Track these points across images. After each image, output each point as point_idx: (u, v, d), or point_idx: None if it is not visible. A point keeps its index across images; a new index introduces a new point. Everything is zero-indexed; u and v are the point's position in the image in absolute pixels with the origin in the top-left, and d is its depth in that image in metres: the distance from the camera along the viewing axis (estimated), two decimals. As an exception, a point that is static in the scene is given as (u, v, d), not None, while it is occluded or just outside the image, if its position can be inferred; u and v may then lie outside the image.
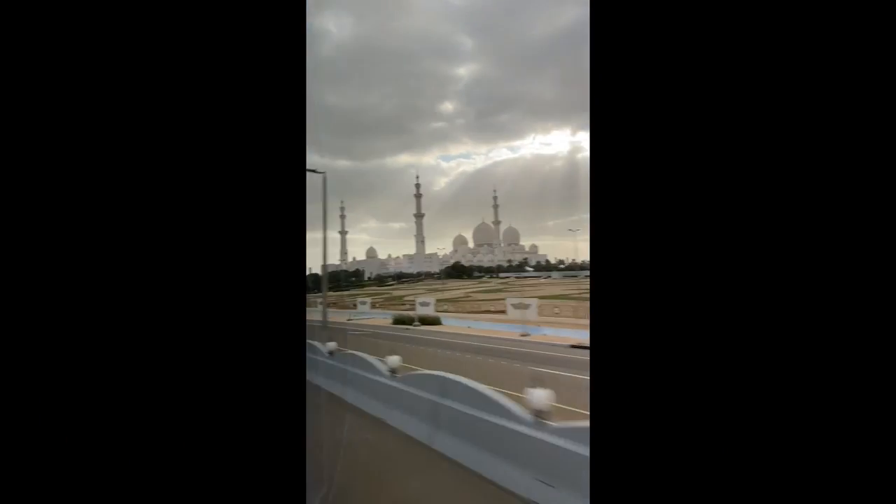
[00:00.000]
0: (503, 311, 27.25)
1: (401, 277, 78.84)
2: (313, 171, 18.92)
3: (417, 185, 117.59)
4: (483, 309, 31.29)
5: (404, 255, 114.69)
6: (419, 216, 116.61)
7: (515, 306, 25.80)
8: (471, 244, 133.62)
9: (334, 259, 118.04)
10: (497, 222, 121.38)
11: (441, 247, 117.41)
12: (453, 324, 25.23)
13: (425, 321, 25.37)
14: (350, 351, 8.48)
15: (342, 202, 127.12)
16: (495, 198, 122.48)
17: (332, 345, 8.82)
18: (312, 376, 8.51)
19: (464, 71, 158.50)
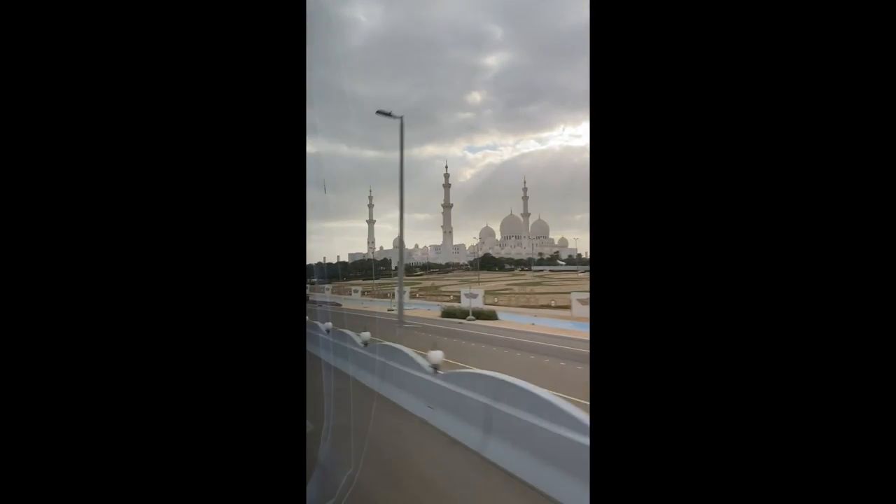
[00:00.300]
0: (567, 307, 23.93)
1: (429, 268, 75.69)
2: (388, 114, 16.00)
3: (446, 175, 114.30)
4: (540, 304, 27.93)
5: (431, 246, 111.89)
6: (447, 206, 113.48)
7: (584, 302, 22.36)
8: (498, 236, 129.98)
9: (362, 248, 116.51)
10: (526, 214, 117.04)
11: (475, 237, 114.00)
12: (511, 319, 22.06)
13: (480, 315, 22.27)
14: (474, 370, 5.42)
15: (370, 191, 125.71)
16: (525, 189, 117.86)
17: (437, 355, 5.79)
18: (418, 406, 5.39)
19: (493, 60, 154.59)
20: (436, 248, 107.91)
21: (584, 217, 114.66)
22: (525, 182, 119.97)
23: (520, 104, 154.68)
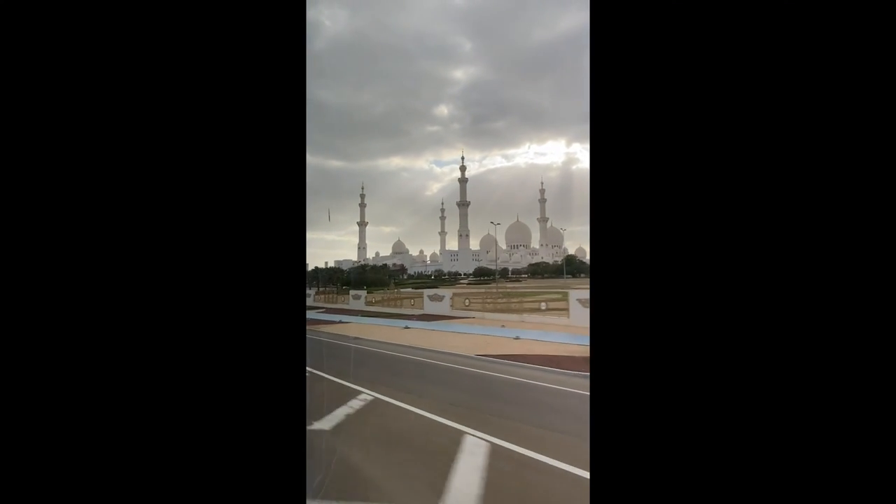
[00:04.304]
0: None
1: (481, 275, 59.49)
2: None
3: (463, 169, 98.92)
4: None
5: (447, 251, 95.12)
6: (464, 205, 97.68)
7: None
8: (503, 244, 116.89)
9: (348, 255, 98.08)
10: (544, 219, 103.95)
11: (475, 243, 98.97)
12: None
13: None
14: None
15: (363, 188, 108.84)
16: (542, 191, 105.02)
17: None
18: None
19: (461, 74, 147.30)
20: (451, 253, 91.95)
21: (539, 236, 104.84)
22: (542, 183, 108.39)
23: (486, 119, 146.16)
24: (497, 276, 50.59)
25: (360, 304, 20.88)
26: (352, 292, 22.72)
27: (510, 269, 70.26)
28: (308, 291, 27.73)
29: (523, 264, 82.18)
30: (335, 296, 24.94)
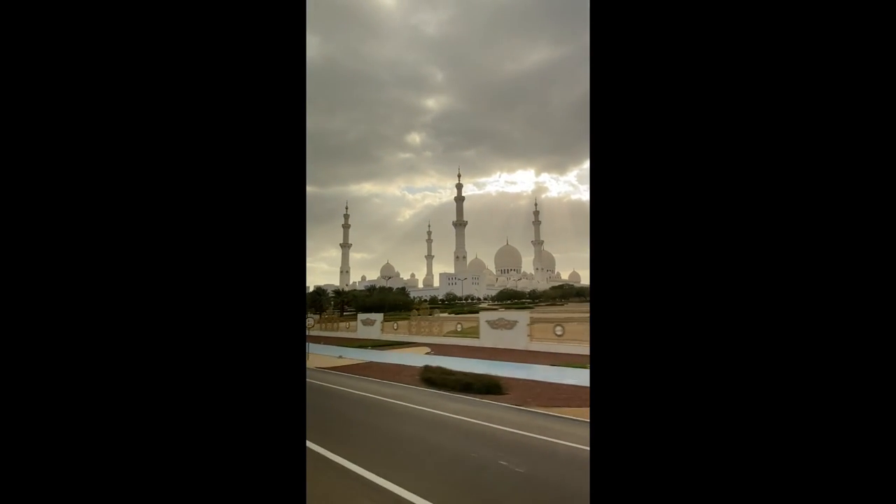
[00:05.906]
0: None
1: (509, 298, 52.70)
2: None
3: (459, 187, 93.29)
4: None
5: (442, 274, 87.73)
6: (460, 224, 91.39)
7: None
8: (492, 268, 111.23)
9: (326, 280, 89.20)
10: (539, 242, 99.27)
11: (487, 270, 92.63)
12: None
13: None
14: None
15: (346, 208, 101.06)
16: (536, 213, 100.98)
17: None
18: None
19: (433, 103, 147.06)
20: (448, 276, 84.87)
21: (528, 260, 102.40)
22: (537, 205, 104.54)
23: (458, 148, 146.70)
24: (532, 300, 44.34)
25: (517, 339, 13.41)
26: (485, 316, 14.72)
27: (526, 291, 63.74)
28: (372, 317, 19.51)
29: (519, 288, 76.16)
30: (420, 323, 17.00)
